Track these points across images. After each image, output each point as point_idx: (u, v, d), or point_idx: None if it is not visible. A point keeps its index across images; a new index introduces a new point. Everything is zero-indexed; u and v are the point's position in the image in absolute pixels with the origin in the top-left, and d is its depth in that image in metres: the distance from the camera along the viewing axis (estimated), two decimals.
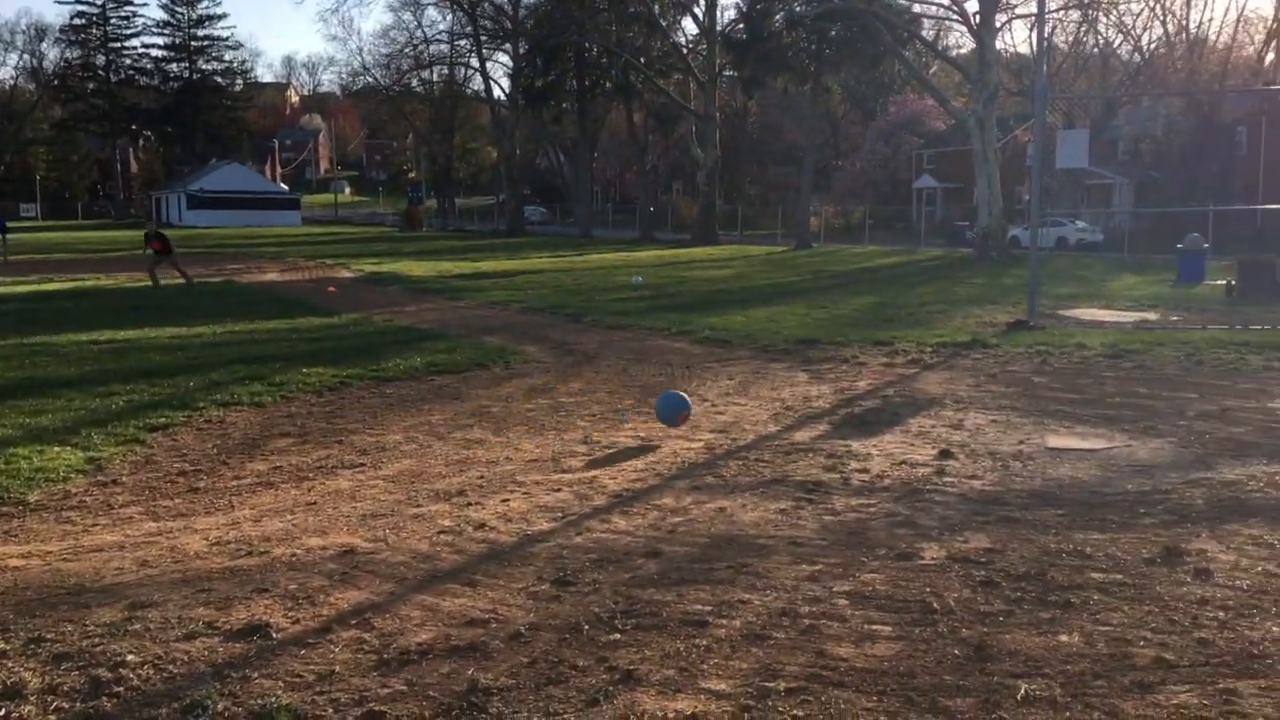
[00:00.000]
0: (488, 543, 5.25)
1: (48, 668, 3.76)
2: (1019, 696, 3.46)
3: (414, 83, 75.87)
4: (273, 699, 3.50)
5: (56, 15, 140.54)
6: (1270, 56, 52.34)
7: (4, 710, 3.43)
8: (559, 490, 6.26)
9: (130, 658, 3.84)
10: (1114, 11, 45.38)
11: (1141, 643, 3.88)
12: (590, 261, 32.78)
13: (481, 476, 6.64)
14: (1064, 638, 3.95)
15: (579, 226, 60.00)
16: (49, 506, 6.05)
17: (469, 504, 5.99)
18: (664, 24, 53.05)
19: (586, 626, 4.12)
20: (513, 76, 61.38)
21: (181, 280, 22.92)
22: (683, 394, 8.18)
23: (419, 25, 68.30)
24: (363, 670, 3.75)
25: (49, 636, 4.03)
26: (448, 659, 3.83)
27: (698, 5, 50.77)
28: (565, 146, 74.21)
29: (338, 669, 3.76)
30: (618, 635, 4.04)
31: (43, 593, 4.56)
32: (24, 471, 6.65)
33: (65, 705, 3.49)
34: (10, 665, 3.77)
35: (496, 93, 67.12)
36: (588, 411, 8.81)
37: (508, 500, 6.05)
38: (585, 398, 9.47)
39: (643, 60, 52.24)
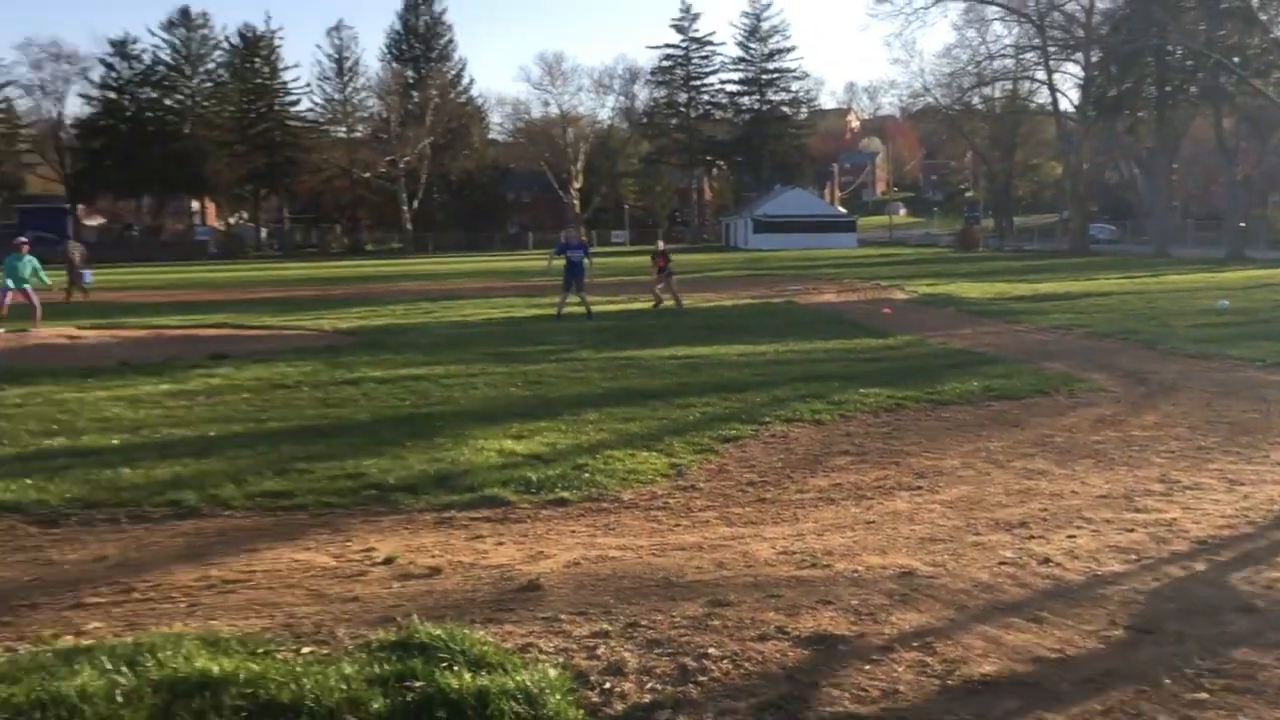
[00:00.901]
0: (1053, 579, 5.04)
1: (643, 651, 4.20)
2: None
3: (975, 100, 74.95)
4: (841, 709, 3.63)
5: (647, 59, 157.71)
6: None
7: (609, 684, 3.88)
8: (1132, 530, 5.85)
9: (712, 650, 4.18)
10: None
11: None
12: (1166, 283, 30.17)
13: (1044, 509, 6.38)
14: None
15: (1153, 244, 55.51)
16: (639, 505, 6.75)
17: (1031, 536, 5.79)
18: (1264, 18, 47.54)
19: (1167, 680, 3.81)
20: (1082, 87, 58.55)
21: (671, 302, 23.23)
22: None
23: (983, 41, 67.23)
24: (926, 694, 3.77)
25: (643, 623, 4.50)
26: (1013, 695, 3.74)
27: None
28: (1139, 159, 69.12)
29: (901, 689, 3.81)
30: (1204, 695, 3.70)
31: (636, 582, 5.10)
32: (619, 472, 7.48)
33: (658, 686, 3.87)
34: (613, 644, 4.26)
35: (1063, 105, 64.32)
36: (1164, 447, 8.13)
37: (1074, 536, 5.76)
38: (1161, 432, 8.74)
39: (1236, 60, 47.18)
